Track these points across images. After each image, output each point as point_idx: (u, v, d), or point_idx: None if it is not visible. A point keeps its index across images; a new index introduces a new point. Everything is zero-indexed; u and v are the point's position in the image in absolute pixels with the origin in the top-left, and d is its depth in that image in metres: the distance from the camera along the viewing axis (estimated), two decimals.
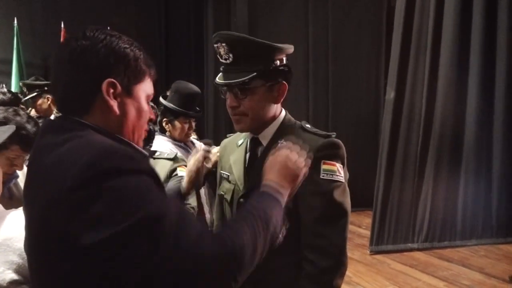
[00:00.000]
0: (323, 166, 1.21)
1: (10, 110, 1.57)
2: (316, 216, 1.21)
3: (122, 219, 0.67)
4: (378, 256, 4.09)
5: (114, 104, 0.83)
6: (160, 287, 0.69)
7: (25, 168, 1.78)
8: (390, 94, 4.23)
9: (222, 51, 1.23)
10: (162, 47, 6.10)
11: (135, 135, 0.89)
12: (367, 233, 4.43)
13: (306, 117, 5.10)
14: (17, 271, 1.00)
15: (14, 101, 3.21)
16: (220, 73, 1.28)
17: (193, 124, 2.36)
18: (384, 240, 4.24)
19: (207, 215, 2.25)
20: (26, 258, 0.94)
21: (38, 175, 0.78)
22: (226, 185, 1.40)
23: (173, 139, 2.31)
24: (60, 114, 0.87)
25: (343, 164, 1.26)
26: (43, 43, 5.16)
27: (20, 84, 3.49)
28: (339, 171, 1.23)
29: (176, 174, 1.86)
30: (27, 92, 3.48)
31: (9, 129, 1.34)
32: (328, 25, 5.29)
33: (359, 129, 5.42)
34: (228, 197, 1.37)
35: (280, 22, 4.92)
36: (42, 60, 5.20)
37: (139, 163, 0.74)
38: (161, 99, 2.33)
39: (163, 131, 2.33)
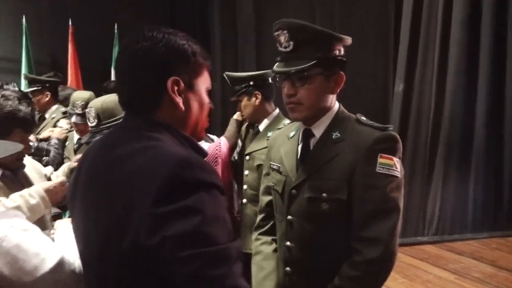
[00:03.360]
0: (380, 160, 1.19)
1: None
2: (369, 209, 1.19)
3: (203, 244, 0.71)
4: None
5: (180, 100, 0.86)
6: None
7: (30, 159, 1.80)
8: (399, 87, 4.20)
9: (282, 38, 1.22)
10: None
11: (198, 128, 0.93)
12: None
13: None
14: None
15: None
16: (278, 62, 1.27)
17: None
18: None
19: None
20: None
21: (118, 183, 0.78)
22: (276, 176, 1.39)
23: None
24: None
25: (399, 158, 1.23)
26: (51, 41, 5.17)
27: (23, 76, 3.43)
28: (396, 166, 1.20)
29: None
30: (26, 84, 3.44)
31: (17, 147, 1.33)
32: (334, 17, 5.24)
33: None
34: (279, 188, 1.36)
35: (286, 12, 4.87)
36: (50, 58, 5.21)
37: (211, 175, 0.77)
38: None
39: None
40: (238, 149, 2.35)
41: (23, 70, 4.84)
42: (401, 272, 3.61)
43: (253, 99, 2.16)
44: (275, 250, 1.45)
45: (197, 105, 0.91)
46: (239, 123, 2.32)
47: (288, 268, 1.34)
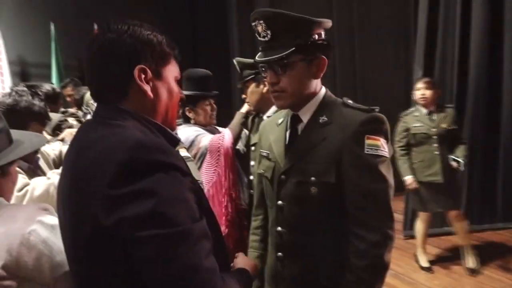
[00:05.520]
0: (367, 141, 1.19)
1: (13, 93, 1.62)
2: (362, 191, 1.20)
3: (161, 224, 0.73)
4: (412, 240, 3.94)
5: (147, 88, 0.89)
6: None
7: (46, 149, 1.88)
8: (418, 74, 4.09)
9: (260, 28, 1.23)
10: (190, 46, 6.07)
11: (168, 116, 0.95)
12: (401, 217, 4.31)
13: None
14: (3, 267, 0.97)
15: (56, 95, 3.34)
16: (259, 52, 1.28)
17: (214, 106, 2.36)
18: None
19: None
20: (14, 255, 0.97)
21: (81, 170, 0.82)
22: (266, 163, 1.41)
23: (199, 124, 2.31)
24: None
25: (386, 139, 1.23)
26: (79, 45, 5.37)
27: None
28: (383, 146, 1.20)
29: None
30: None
31: (41, 140, 1.29)
32: (352, 6, 5.19)
33: (388, 111, 5.17)
34: (268, 175, 1.38)
35: (303, 5, 4.82)
36: (78, 62, 5.44)
37: (169, 156, 0.79)
38: None
39: (187, 120, 2.34)
40: (245, 140, 2.37)
41: (54, 75, 5.09)
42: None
43: (261, 86, 2.15)
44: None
45: (166, 93, 0.93)
46: (245, 115, 2.34)
47: (280, 253, 1.35)
